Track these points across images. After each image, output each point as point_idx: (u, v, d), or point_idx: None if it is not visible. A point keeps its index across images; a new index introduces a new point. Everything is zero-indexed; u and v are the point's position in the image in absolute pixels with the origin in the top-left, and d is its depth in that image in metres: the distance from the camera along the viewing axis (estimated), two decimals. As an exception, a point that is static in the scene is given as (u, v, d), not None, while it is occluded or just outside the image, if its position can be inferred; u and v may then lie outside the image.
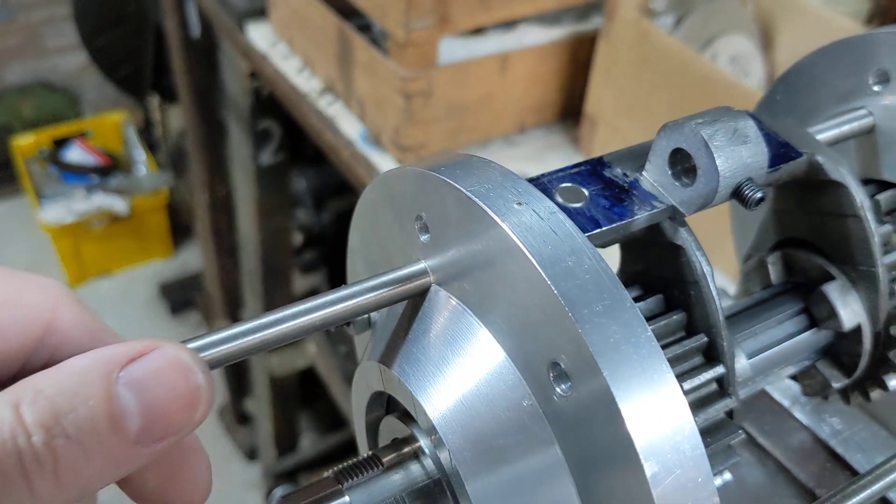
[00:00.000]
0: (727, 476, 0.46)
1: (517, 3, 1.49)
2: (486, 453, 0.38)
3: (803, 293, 0.53)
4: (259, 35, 1.81)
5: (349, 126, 1.60)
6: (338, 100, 1.65)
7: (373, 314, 0.48)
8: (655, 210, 0.44)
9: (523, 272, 0.34)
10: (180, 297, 3.27)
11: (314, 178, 2.29)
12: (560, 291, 0.33)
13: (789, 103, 0.61)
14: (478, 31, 1.53)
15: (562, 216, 0.36)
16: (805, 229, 0.54)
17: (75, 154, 3.34)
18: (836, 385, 0.54)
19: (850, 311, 0.51)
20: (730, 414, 0.45)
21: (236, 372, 2.76)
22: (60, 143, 3.36)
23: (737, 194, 0.43)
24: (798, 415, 0.63)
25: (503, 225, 0.35)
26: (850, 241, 0.51)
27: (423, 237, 0.41)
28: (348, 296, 0.40)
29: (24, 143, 3.32)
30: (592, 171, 0.45)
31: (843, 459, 0.60)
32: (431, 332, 0.41)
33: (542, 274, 0.33)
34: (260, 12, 1.83)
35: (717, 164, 0.41)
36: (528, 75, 1.57)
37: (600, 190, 0.44)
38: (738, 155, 0.42)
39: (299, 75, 1.72)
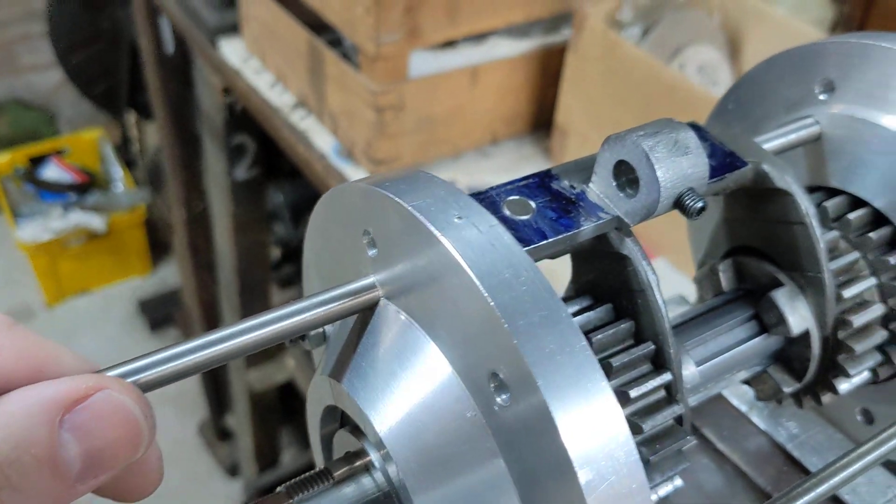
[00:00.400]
0: (678, 482, 0.46)
1: (486, 16, 1.50)
2: (432, 466, 0.39)
3: (753, 300, 0.54)
4: (231, 50, 1.81)
5: (322, 140, 1.61)
6: (310, 114, 1.66)
7: (327, 328, 0.49)
8: (601, 221, 0.45)
9: (463, 285, 0.35)
10: (159, 314, 3.26)
11: (291, 192, 2.29)
12: (497, 303, 0.33)
13: (740, 113, 0.62)
14: (448, 44, 1.55)
15: (501, 229, 0.36)
16: (754, 237, 0.55)
17: (52, 172, 3.32)
18: (787, 390, 0.54)
19: (798, 316, 0.52)
20: (679, 420, 0.46)
21: (216, 388, 2.74)
22: (37, 161, 3.34)
23: (678, 204, 0.43)
24: (755, 419, 0.64)
25: (442, 238, 0.35)
26: (797, 248, 0.52)
27: (371, 252, 0.41)
28: (297, 311, 0.40)
29: (0, 161, 3.30)
30: (540, 183, 0.46)
31: (800, 462, 0.61)
32: (380, 346, 0.41)
33: (479, 286, 0.34)
34: (232, 28, 1.83)
35: (658, 175, 0.42)
36: (499, 87, 1.58)
37: (547, 202, 0.45)
38: (678, 166, 0.43)
39: (272, 90, 1.73)
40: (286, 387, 2.41)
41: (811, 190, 0.58)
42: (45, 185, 3.26)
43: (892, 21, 1.58)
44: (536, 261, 0.44)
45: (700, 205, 0.43)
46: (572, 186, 0.46)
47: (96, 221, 3.18)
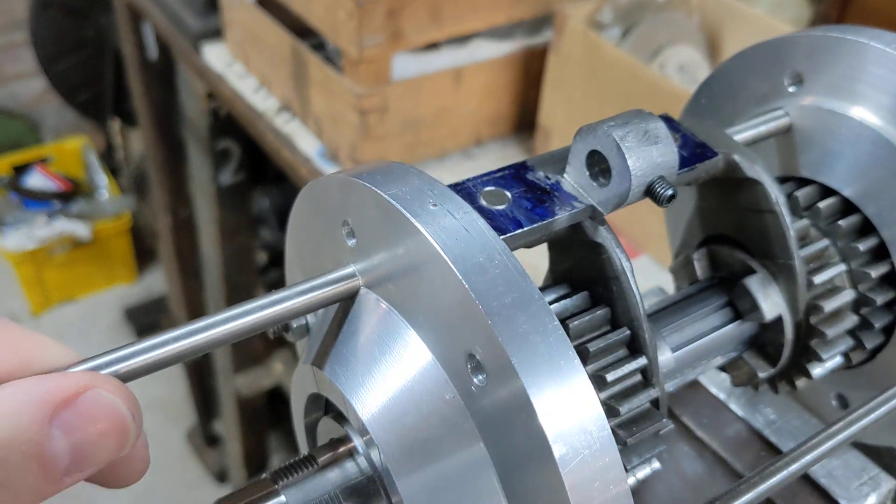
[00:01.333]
0: (655, 465, 0.47)
1: (469, 18, 1.51)
2: (415, 449, 0.40)
3: (727, 287, 0.55)
4: (215, 56, 1.82)
5: (306, 143, 1.61)
6: (294, 118, 1.67)
7: (310, 319, 0.50)
8: (575, 210, 0.46)
9: (438, 269, 0.36)
10: (146, 321, 3.25)
11: (277, 196, 2.29)
12: (471, 286, 0.34)
13: (713, 106, 0.63)
14: (431, 46, 1.56)
15: (475, 216, 0.37)
16: (727, 226, 0.56)
17: (36, 180, 3.31)
18: (762, 375, 0.56)
19: (770, 302, 0.53)
20: (655, 403, 0.47)
21: (204, 394, 2.74)
22: (21, 170, 3.33)
23: (649, 192, 0.45)
24: (734, 407, 0.65)
25: (417, 224, 0.36)
26: (768, 236, 0.53)
27: (351, 242, 0.42)
28: (278, 300, 0.41)
29: (-16, 170, 3.29)
30: (516, 174, 0.47)
31: (777, 447, 0.62)
32: (361, 333, 0.42)
33: (454, 270, 0.35)
34: (215, 33, 1.84)
35: (629, 164, 0.43)
36: (482, 89, 1.59)
37: (523, 192, 0.46)
38: (648, 155, 0.44)
39: (256, 94, 1.73)
40: (274, 392, 2.41)
41: (783, 180, 0.59)
42: (29, 194, 3.25)
43: (868, 19, 1.61)
44: (513, 249, 0.45)
45: (670, 192, 0.44)
46: (547, 177, 0.47)
47: (81, 229, 3.17)
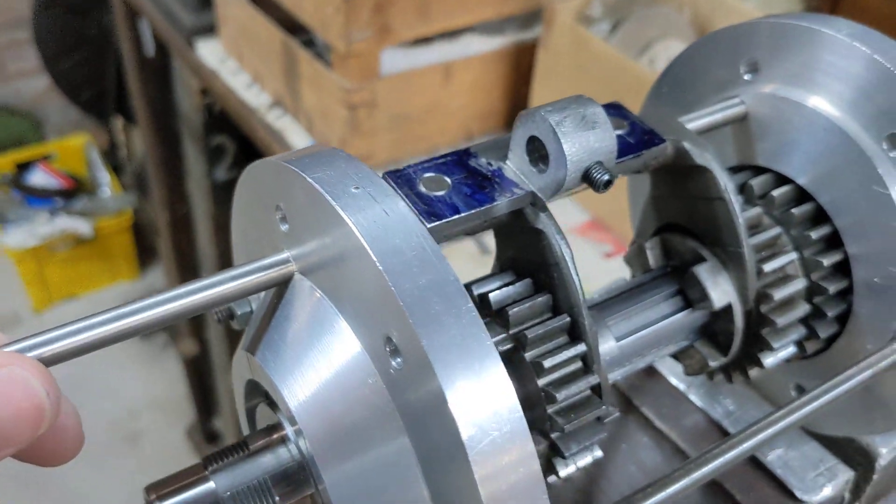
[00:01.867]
0: (598, 453, 0.47)
1: (458, 13, 1.51)
2: (339, 435, 0.39)
3: (679, 276, 0.55)
4: (209, 52, 1.82)
5: (298, 139, 1.62)
6: (286, 114, 1.67)
7: (255, 307, 0.49)
8: (516, 196, 0.46)
9: (357, 252, 0.36)
10: (147, 318, 3.25)
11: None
12: (385, 268, 0.34)
13: (674, 94, 0.63)
14: (421, 41, 1.56)
15: (396, 199, 0.37)
16: (679, 214, 0.56)
17: (38, 177, 3.33)
18: (713, 364, 0.55)
19: (720, 290, 0.53)
20: (597, 391, 0.47)
21: (203, 392, 2.75)
22: (23, 167, 3.35)
23: (586, 178, 0.44)
24: (693, 397, 0.64)
25: (336, 207, 0.36)
26: (718, 224, 0.53)
27: (284, 227, 0.42)
28: (211, 284, 0.41)
29: (-13, 167, 3.31)
30: (458, 160, 0.47)
31: (735, 439, 0.62)
32: (293, 320, 0.42)
33: (370, 252, 0.35)
34: (209, 29, 1.84)
35: (565, 149, 0.43)
36: (473, 84, 1.59)
37: (464, 178, 0.46)
38: (585, 140, 0.43)
39: (249, 90, 1.74)
40: (271, 388, 2.42)
41: (740, 169, 0.59)
42: (32, 191, 3.27)
43: (859, 15, 1.59)
44: (453, 237, 0.45)
45: (606, 178, 0.44)
46: (490, 163, 0.47)
47: (83, 226, 3.19)
